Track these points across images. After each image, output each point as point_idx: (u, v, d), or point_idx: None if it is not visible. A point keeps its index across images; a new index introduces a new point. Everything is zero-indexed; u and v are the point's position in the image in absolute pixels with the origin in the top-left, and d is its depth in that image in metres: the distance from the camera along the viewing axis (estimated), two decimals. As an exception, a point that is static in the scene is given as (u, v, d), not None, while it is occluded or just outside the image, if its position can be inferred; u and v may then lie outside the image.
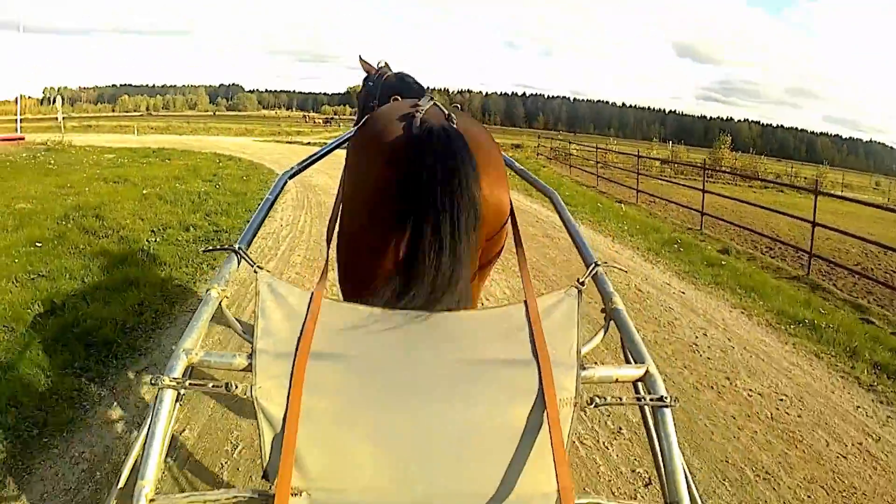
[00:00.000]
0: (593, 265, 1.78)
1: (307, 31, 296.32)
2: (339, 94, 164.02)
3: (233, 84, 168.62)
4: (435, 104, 2.17)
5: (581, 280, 1.66)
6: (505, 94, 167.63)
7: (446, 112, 2.08)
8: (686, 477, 1.30)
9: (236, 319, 1.58)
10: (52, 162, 18.51)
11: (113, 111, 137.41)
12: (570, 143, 33.19)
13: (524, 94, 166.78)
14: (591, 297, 1.87)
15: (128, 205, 10.74)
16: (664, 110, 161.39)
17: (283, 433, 1.28)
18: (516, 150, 39.62)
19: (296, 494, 1.26)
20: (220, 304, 1.56)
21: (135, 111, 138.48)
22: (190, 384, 1.32)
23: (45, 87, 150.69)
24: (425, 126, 1.86)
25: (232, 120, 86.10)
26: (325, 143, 2.93)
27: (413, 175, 1.71)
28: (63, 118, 32.59)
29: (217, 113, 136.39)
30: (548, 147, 35.05)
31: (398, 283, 1.65)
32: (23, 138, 28.56)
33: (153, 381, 1.28)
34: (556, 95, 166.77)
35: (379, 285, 1.71)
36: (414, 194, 1.69)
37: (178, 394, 1.34)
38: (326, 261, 2.02)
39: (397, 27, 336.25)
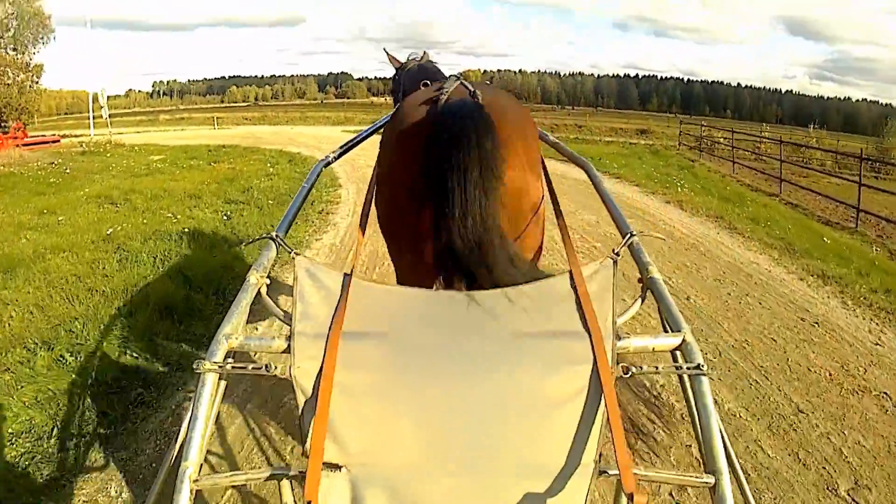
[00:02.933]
0: (629, 235, 1.77)
1: (414, 18, 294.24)
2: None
3: (342, 72, 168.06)
4: (461, 83, 2.22)
5: (616, 250, 1.64)
6: (617, 76, 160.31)
7: (471, 88, 2.11)
8: (725, 446, 1.33)
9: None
10: (69, 170, 16.49)
11: (221, 102, 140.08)
12: (702, 126, 27.22)
13: (637, 75, 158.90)
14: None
15: (62, 266, 6.61)
16: (779, 90, 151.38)
17: None
18: (643, 138, 35.08)
19: (334, 469, 1.30)
20: (258, 290, 1.59)
21: (243, 101, 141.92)
22: (231, 367, 1.34)
23: (155, 81, 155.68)
24: (447, 102, 1.97)
25: (336, 108, 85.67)
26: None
27: (433, 141, 1.80)
28: (109, 116, 29.70)
29: (325, 101, 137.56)
30: (689, 135, 28.17)
31: (435, 246, 1.74)
32: (58, 140, 26.33)
33: (195, 367, 1.30)
34: (669, 77, 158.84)
35: (421, 250, 1.89)
36: (434, 159, 1.76)
37: (220, 377, 1.39)
38: (357, 243, 2.09)
39: (503, 11, 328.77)
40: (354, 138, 2.93)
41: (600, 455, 1.35)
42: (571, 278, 1.56)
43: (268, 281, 1.67)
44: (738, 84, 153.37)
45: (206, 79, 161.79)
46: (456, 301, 1.53)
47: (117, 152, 21.24)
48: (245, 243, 2.37)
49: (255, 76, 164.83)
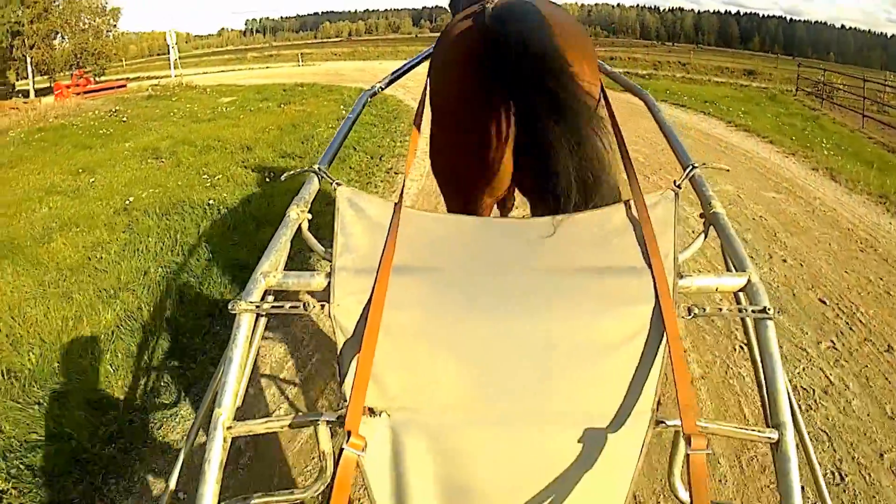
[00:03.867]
0: (690, 167, 1.66)
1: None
2: None
3: (436, 6, 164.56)
4: None
5: (678, 182, 1.54)
6: (717, 12, 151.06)
7: None
8: (790, 398, 1.22)
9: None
10: (127, 118, 15.27)
11: (315, 38, 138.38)
12: (823, 71, 24.14)
13: (738, 12, 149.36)
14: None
15: (61, 252, 5.53)
16: (885, 34, 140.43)
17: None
18: (751, 79, 32.43)
19: (373, 415, 1.25)
20: (299, 225, 1.50)
21: (336, 37, 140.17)
22: (268, 306, 1.28)
23: (247, 20, 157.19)
24: (496, 8, 1.82)
25: (429, 42, 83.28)
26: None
27: (491, 47, 1.70)
28: (178, 58, 28.73)
29: (419, 35, 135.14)
30: (805, 79, 24.71)
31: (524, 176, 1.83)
32: (124, 85, 25.49)
33: (230, 307, 1.24)
34: (771, 15, 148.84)
35: (490, 178, 1.86)
36: (497, 69, 1.67)
37: (258, 317, 1.35)
38: (406, 173, 1.92)
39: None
40: (404, 65, 2.82)
41: (658, 404, 1.23)
42: (629, 208, 1.45)
43: (309, 216, 1.54)
44: (843, 26, 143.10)
45: (298, 15, 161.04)
46: (508, 230, 1.49)
47: (186, 95, 20.18)
48: (285, 176, 1.88)
49: (349, 11, 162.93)
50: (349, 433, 1.15)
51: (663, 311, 1.22)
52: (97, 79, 32.63)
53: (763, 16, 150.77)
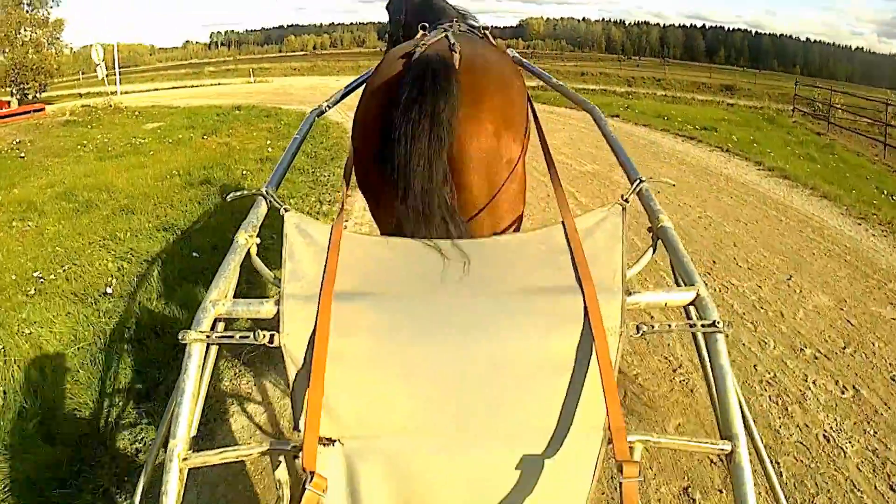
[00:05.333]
0: (637, 181, 1.69)
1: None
2: (510, 26, 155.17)
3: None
4: (446, 36, 2.09)
5: (625, 197, 1.55)
6: (683, 26, 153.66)
7: (451, 41, 2.00)
8: (742, 409, 1.25)
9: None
10: (26, 153, 13.26)
11: (280, 52, 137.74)
12: (816, 88, 22.78)
13: (703, 26, 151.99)
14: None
15: None
16: (849, 47, 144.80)
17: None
18: (730, 95, 31.74)
19: (328, 444, 1.25)
20: (248, 251, 1.50)
21: (301, 51, 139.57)
22: (218, 336, 1.28)
23: (212, 32, 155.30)
24: (418, 57, 1.84)
25: None
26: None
27: (390, 101, 1.72)
28: (105, 75, 26.11)
29: (384, 49, 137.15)
30: (801, 97, 22.75)
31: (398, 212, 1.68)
32: (42, 109, 22.34)
33: (180, 337, 1.23)
34: (736, 28, 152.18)
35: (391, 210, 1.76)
36: (387, 121, 1.69)
37: (208, 347, 1.34)
38: (343, 197, 2.03)
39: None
40: (349, 85, 2.79)
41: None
42: (565, 229, 1.48)
43: (258, 240, 1.55)
44: (808, 39, 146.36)
45: (264, 28, 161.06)
46: (450, 253, 1.44)
47: (108, 121, 18.06)
48: (230, 197, 1.70)
49: (314, 24, 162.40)
50: (312, 473, 1.15)
51: (593, 330, 1.23)
52: (26, 98, 30.31)
53: (728, 29, 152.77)
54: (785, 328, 4.25)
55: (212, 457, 1.23)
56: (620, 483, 1.11)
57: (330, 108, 2.53)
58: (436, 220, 1.63)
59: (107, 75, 26.01)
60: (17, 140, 14.94)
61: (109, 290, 4.78)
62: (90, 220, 6.98)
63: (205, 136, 13.02)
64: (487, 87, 1.91)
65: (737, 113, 19.36)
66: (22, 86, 31.28)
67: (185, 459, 1.17)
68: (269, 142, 11.71)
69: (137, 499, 1.45)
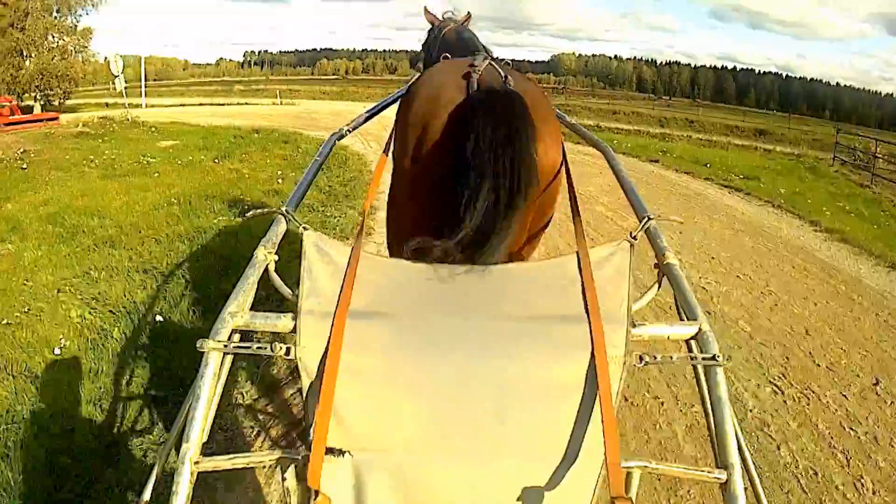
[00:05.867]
0: (646, 219, 1.71)
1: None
2: (542, 61, 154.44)
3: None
4: (490, 63, 2.10)
5: (633, 234, 1.58)
6: (714, 67, 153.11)
7: (502, 73, 2.02)
8: (738, 440, 1.27)
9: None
10: (29, 164, 12.71)
11: (311, 74, 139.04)
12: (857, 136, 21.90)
13: (734, 68, 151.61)
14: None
15: None
16: (879, 92, 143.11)
17: None
18: (762, 140, 30.98)
19: (338, 455, 1.29)
20: (266, 267, 1.52)
21: (333, 74, 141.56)
22: (235, 347, 1.31)
23: (246, 52, 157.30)
24: (484, 88, 1.87)
25: None
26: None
27: (473, 138, 1.67)
28: (124, 87, 25.70)
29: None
30: (842, 145, 21.79)
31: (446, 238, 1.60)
32: (56, 118, 21.71)
33: (198, 345, 1.26)
34: (767, 71, 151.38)
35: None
36: (473, 157, 1.64)
37: (224, 357, 1.36)
38: (363, 215, 2.09)
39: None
40: (372, 108, 2.85)
41: None
42: (579, 261, 1.50)
43: (276, 258, 1.56)
44: (838, 83, 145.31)
45: (297, 50, 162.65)
46: (466, 277, 1.49)
47: (123, 135, 17.52)
48: (249, 215, 1.77)
49: (347, 49, 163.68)
50: (317, 492, 1.19)
51: (596, 360, 1.26)
52: (50, 105, 30.17)
53: (759, 72, 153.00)
54: (882, 461, 3.38)
55: (223, 462, 1.26)
56: None
57: (350, 132, 2.51)
58: (490, 244, 1.57)
59: (126, 87, 25.68)
60: (24, 149, 14.43)
61: (58, 352, 4.02)
62: (71, 250, 6.39)
63: (216, 160, 12.45)
64: (543, 119, 1.89)
65: (776, 160, 18.60)
66: (46, 92, 31.10)
67: (196, 463, 1.18)
68: (280, 171, 11.09)
69: (146, 499, 1.47)
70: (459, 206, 1.61)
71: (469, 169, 1.62)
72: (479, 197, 1.57)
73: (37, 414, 3.53)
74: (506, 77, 1.97)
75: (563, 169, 2.11)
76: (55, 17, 31.52)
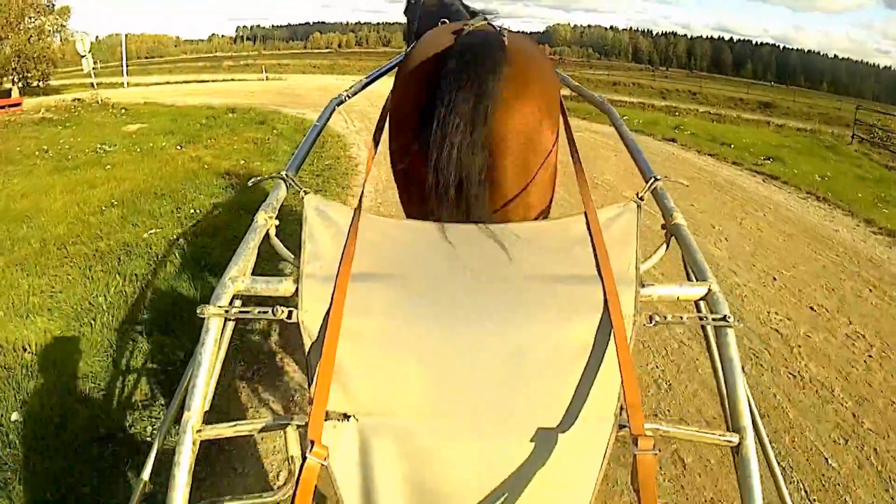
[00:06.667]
0: (653, 179, 1.70)
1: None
2: (537, 32, 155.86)
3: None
4: (488, 22, 2.10)
5: (640, 195, 1.57)
6: (711, 38, 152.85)
7: (497, 26, 2.03)
8: (749, 404, 1.24)
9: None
10: None
11: (304, 49, 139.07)
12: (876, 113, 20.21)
13: (731, 39, 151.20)
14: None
15: None
16: (877, 65, 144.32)
17: None
18: (767, 114, 30.67)
19: (343, 420, 1.27)
20: (266, 231, 1.50)
21: (326, 48, 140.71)
22: (236, 312, 1.29)
23: (238, 26, 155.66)
24: (469, 32, 1.87)
25: None
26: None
27: (445, 72, 1.68)
28: (93, 68, 24.53)
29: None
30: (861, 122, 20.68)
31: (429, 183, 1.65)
32: (18, 104, 20.43)
33: (199, 311, 1.24)
34: (764, 42, 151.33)
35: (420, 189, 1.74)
36: (440, 91, 1.65)
37: (225, 323, 1.35)
38: (365, 178, 2.02)
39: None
40: (372, 74, 2.77)
41: (622, 408, 1.25)
42: (587, 220, 1.49)
43: (276, 222, 1.53)
44: (835, 56, 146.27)
45: (290, 24, 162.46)
46: (470, 236, 1.47)
47: (88, 119, 16.42)
48: (251, 182, 1.77)
49: (340, 23, 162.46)
50: (312, 442, 1.16)
51: (612, 317, 1.24)
52: (29, 87, 29.31)
53: (756, 43, 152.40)
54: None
55: (225, 430, 1.25)
56: (635, 456, 1.12)
57: (350, 97, 2.46)
58: (468, 193, 1.63)
59: (95, 68, 24.40)
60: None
61: None
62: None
63: (180, 146, 11.35)
64: (533, 73, 1.91)
65: (791, 138, 17.37)
66: (24, 74, 30.02)
67: (198, 431, 1.17)
68: (245, 159, 9.90)
69: (148, 469, 1.43)
70: (430, 145, 1.60)
71: (435, 104, 1.62)
72: (446, 132, 1.58)
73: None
74: (500, 29, 1.96)
75: (566, 129, 2.13)
76: (26, -5, 30.28)
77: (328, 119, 2.20)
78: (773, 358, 4.03)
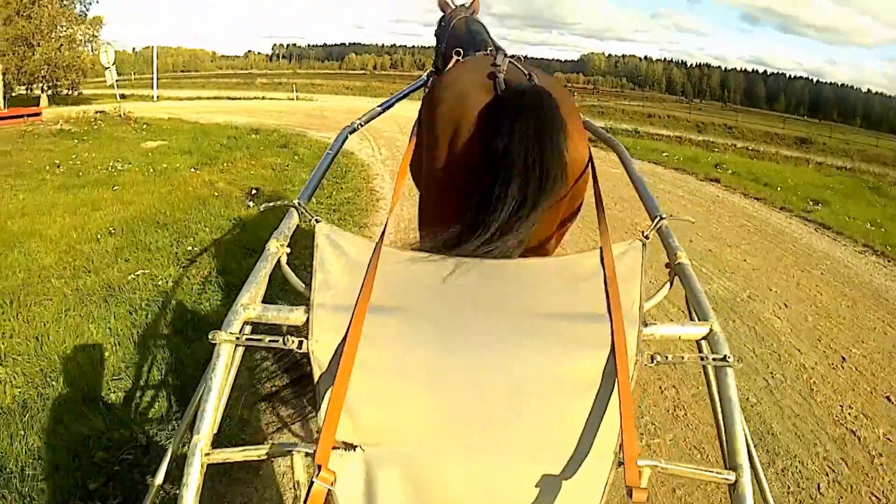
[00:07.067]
0: (658, 218, 1.72)
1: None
2: (571, 60, 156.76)
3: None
4: (511, 62, 2.14)
5: (646, 233, 1.58)
6: (744, 70, 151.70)
7: (525, 71, 2.06)
8: (747, 441, 1.27)
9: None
10: None
11: (339, 69, 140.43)
12: None
13: (765, 72, 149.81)
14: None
15: None
16: None
17: None
18: (806, 150, 30.12)
19: (349, 449, 1.28)
20: (278, 259, 1.52)
21: (361, 69, 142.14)
22: (247, 339, 1.30)
23: (274, 45, 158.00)
24: (513, 87, 1.89)
25: None
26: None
27: (507, 133, 1.69)
28: (117, 80, 24.27)
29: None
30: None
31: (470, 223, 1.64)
32: (38, 114, 20.17)
33: (210, 337, 1.26)
34: (797, 76, 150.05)
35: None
36: (506, 154, 1.67)
37: (235, 349, 1.35)
38: (389, 213, 2.06)
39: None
40: (384, 103, 2.87)
41: (621, 445, 1.23)
42: (598, 256, 1.49)
43: (288, 250, 1.56)
44: (869, 90, 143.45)
45: (325, 44, 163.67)
46: (483, 271, 1.48)
47: (107, 133, 16.03)
48: (263, 207, 1.81)
49: (375, 45, 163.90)
50: (319, 466, 1.15)
51: (617, 359, 1.24)
52: (58, 95, 29.72)
53: (789, 76, 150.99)
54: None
55: (234, 454, 1.26)
56: None
57: (363, 125, 2.52)
58: (507, 239, 1.59)
59: (118, 80, 24.31)
60: (-8, 150, 12.89)
61: None
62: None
63: (195, 168, 10.88)
64: (571, 113, 1.92)
65: (833, 177, 16.99)
66: (53, 83, 30.43)
67: (207, 454, 1.17)
68: (260, 186, 9.37)
69: (153, 491, 1.46)
70: (491, 201, 1.61)
71: (501, 165, 1.63)
72: (509, 193, 1.58)
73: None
74: (529, 75, 2.00)
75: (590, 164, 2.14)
76: (63, 5, 30.64)
77: (340, 147, 2.22)
78: (851, 472, 3.27)
